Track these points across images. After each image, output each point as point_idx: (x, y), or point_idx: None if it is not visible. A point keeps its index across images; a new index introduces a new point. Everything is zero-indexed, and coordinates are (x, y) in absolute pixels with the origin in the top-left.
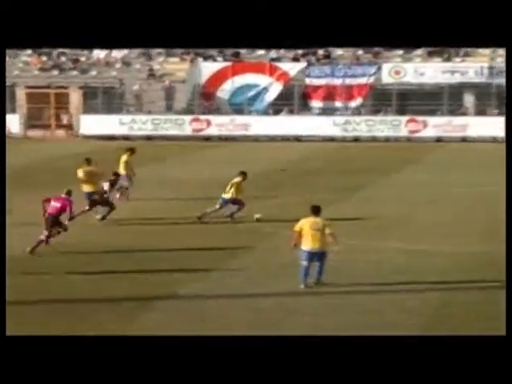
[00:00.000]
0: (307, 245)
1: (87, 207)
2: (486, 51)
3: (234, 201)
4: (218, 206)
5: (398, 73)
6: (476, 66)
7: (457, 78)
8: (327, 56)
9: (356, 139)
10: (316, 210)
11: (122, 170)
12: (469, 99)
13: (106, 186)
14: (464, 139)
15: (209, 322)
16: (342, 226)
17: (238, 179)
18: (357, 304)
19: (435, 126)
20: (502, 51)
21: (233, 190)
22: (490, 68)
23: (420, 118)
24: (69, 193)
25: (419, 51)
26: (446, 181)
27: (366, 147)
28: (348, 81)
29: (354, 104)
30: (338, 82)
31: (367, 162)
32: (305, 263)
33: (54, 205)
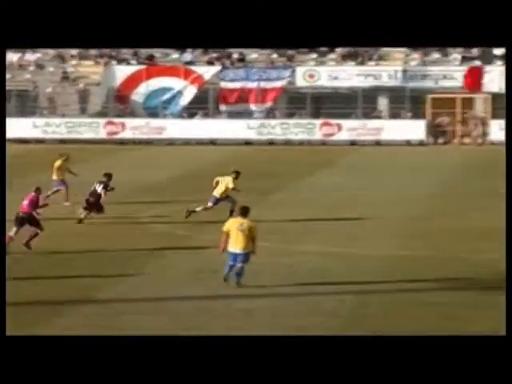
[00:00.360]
0: (232, 245)
1: (83, 211)
2: (400, 55)
3: (225, 198)
4: (210, 204)
5: (312, 76)
6: (390, 69)
7: (370, 82)
8: (241, 59)
9: (271, 142)
10: (244, 211)
11: (54, 176)
12: (383, 102)
13: (99, 188)
14: (378, 142)
15: (126, 326)
16: (258, 229)
17: (229, 177)
18: (274, 307)
19: (349, 129)
20: (416, 55)
21: (222, 187)
22: (404, 71)
23: (334, 122)
24: (37, 190)
25: (333, 55)
26: (360, 184)
27: (280, 150)
28: (263, 84)
29: (266, 107)
30: (252, 85)
31: (282, 165)
32: (231, 263)
33: (24, 203)
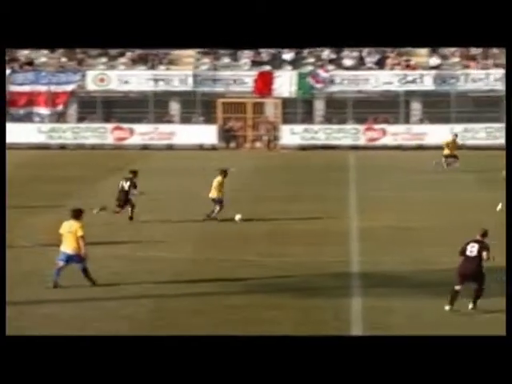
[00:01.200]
0: (63, 246)
1: (118, 208)
2: (190, 59)
3: (217, 200)
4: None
5: (102, 80)
6: (180, 73)
7: (162, 86)
8: (30, 63)
9: (62, 147)
10: (74, 214)
11: None
12: (174, 107)
13: (126, 185)
14: (170, 147)
15: None
16: (57, 234)
17: (219, 178)
18: (75, 311)
19: (141, 133)
20: (206, 59)
21: (216, 189)
22: (195, 76)
23: (126, 126)
24: None
25: (123, 59)
26: (154, 188)
27: (73, 155)
28: (53, 88)
29: (57, 111)
30: (42, 88)
31: (75, 169)
32: (60, 263)
33: None
